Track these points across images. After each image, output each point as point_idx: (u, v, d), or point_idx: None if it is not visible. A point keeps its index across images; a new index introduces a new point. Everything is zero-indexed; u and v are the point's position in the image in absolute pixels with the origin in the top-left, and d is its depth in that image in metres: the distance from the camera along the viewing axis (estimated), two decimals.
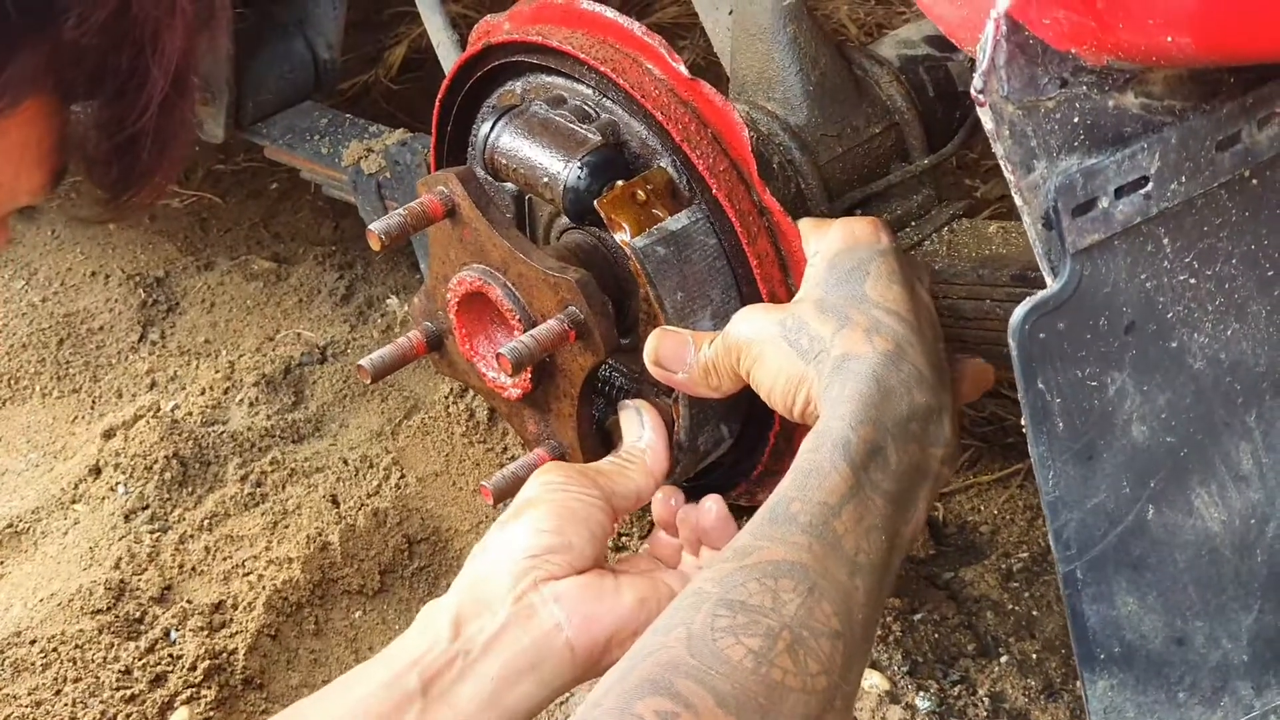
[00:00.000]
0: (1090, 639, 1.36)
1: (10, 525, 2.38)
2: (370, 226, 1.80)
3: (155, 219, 2.95)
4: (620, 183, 1.72)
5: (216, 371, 2.56)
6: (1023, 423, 1.32)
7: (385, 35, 3.23)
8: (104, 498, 2.36)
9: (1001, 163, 1.25)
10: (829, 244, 1.61)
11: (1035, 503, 2.21)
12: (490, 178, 1.86)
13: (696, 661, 1.27)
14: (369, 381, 1.88)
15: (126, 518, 2.33)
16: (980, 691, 1.98)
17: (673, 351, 1.66)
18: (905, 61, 1.95)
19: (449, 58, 2.17)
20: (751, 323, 1.59)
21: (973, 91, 1.23)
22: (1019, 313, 1.28)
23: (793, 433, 1.77)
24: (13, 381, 2.67)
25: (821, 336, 1.51)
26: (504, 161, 1.82)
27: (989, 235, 1.85)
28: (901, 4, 3.02)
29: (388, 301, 2.69)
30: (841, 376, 1.48)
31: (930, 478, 1.48)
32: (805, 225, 1.67)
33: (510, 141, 1.81)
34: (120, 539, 2.29)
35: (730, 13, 1.94)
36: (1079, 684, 1.89)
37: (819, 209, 1.84)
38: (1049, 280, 1.29)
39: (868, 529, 1.39)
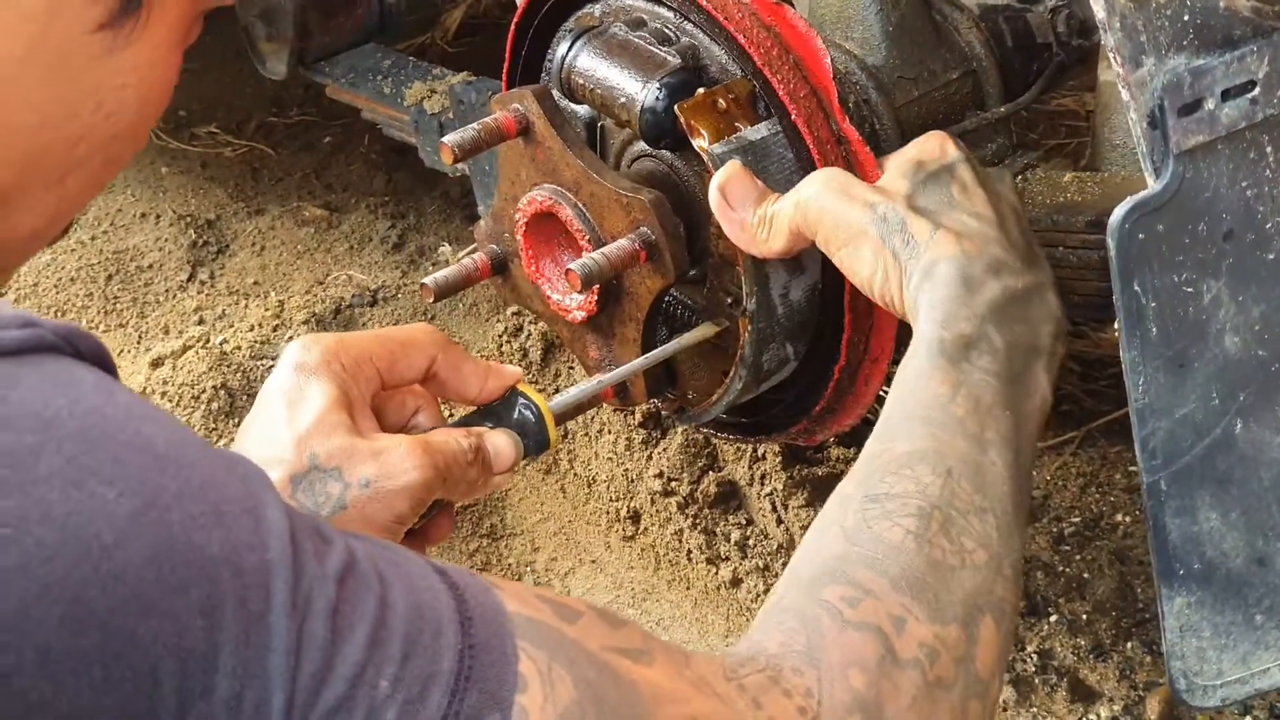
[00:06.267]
0: (1170, 553, 1.34)
1: None
2: (443, 139, 1.79)
3: (207, 166, 2.95)
4: (702, 90, 1.71)
5: (266, 310, 2.55)
6: (1115, 327, 1.30)
7: None
8: None
9: (1110, 55, 1.24)
10: (905, 152, 1.62)
11: (1088, 470, 2.19)
12: (565, 98, 1.85)
13: (861, 549, 1.28)
14: (431, 300, 1.86)
15: None
16: (1029, 649, 1.96)
17: (741, 188, 1.63)
18: (985, 10, 1.94)
19: None
20: (838, 201, 1.56)
21: None
22: (1119, 211, 1.27)
23: (857, 369, 1.75)
24: (59, 314, 2.66)
25: (916, 241, 1.51)
26: (581, 81, 1.81)
27: (1064, 184, 1.84)
28: None
29: (440, 249, 2.68)
30: (930, 283, 1.48)
31: (1044, 354, 1.47)
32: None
33: (588, 61, 1.80)
34: None
35: None
36: (1126, 644, 1.87)
37: (893, 150, 1.83)
38: (1150, 180, 1.27)
39: (988, 408, 1.39)
